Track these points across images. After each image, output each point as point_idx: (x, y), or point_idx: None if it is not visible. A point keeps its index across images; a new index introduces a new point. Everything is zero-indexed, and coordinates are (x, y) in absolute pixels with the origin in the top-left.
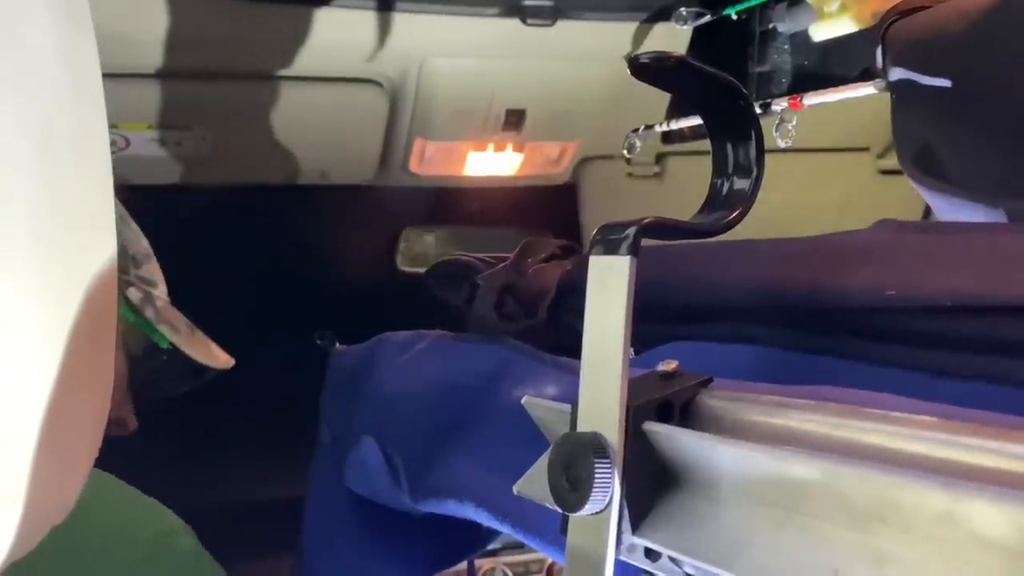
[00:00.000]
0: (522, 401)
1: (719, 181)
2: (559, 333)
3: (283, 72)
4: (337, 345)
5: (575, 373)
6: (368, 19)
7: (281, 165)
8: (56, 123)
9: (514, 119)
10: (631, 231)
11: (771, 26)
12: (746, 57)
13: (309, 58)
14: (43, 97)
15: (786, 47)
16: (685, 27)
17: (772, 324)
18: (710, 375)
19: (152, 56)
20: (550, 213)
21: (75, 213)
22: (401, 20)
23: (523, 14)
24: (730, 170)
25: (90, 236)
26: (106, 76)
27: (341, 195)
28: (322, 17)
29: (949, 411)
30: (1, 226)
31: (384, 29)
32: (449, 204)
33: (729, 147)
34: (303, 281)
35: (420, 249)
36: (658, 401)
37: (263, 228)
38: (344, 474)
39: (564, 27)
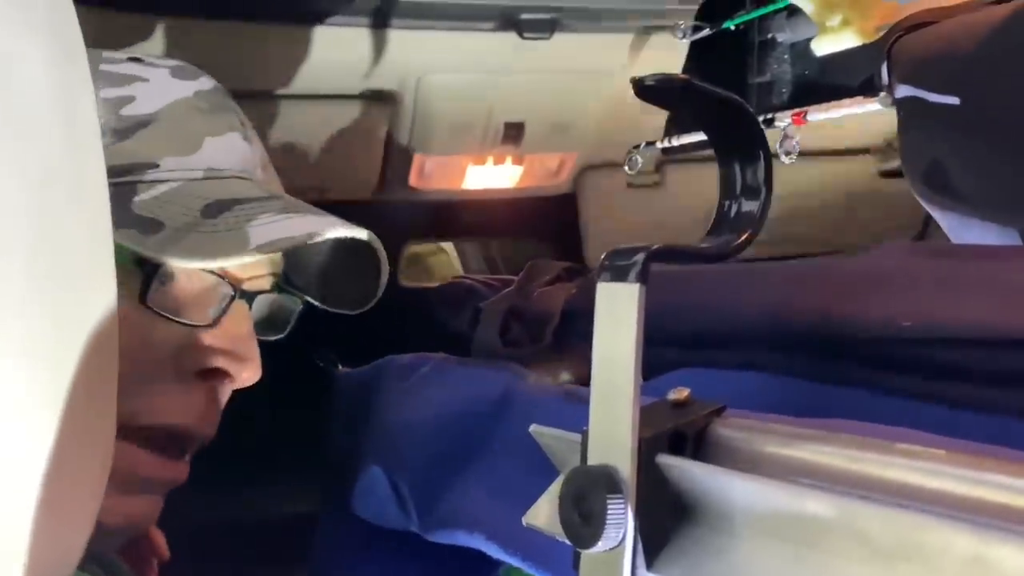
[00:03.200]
0: (530, 429)
1: (727, 203)
2: (565, 357)
3: (281, 91)
4: (339, 367)
5: (583, 400)
6: (364, 37)
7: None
8: (54, 168)
9: (513, 132)
10: (639, 258)
11: (770, 36)
12: (745, 68)
13: (306, 77)
14: (40, 141)
15: (786, 57)
16: (683, 40)
17: (783, 352)
18: (723, 404)
19: None
20: (550, 223)
21: (73, 261)
22: (397, 37)
23: (520, 28)
24: (738, 191)
25: (89, 284)
26: None
27: (341, 212)
28: (318, 36)
29: (971, 448)
30: None
31: (380, 47)
32: (450, 218)
33: (737, 168)
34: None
35: (422, 264)
36: (670, 431)
37: None
38: (351, 502)
39: (561, 40)
